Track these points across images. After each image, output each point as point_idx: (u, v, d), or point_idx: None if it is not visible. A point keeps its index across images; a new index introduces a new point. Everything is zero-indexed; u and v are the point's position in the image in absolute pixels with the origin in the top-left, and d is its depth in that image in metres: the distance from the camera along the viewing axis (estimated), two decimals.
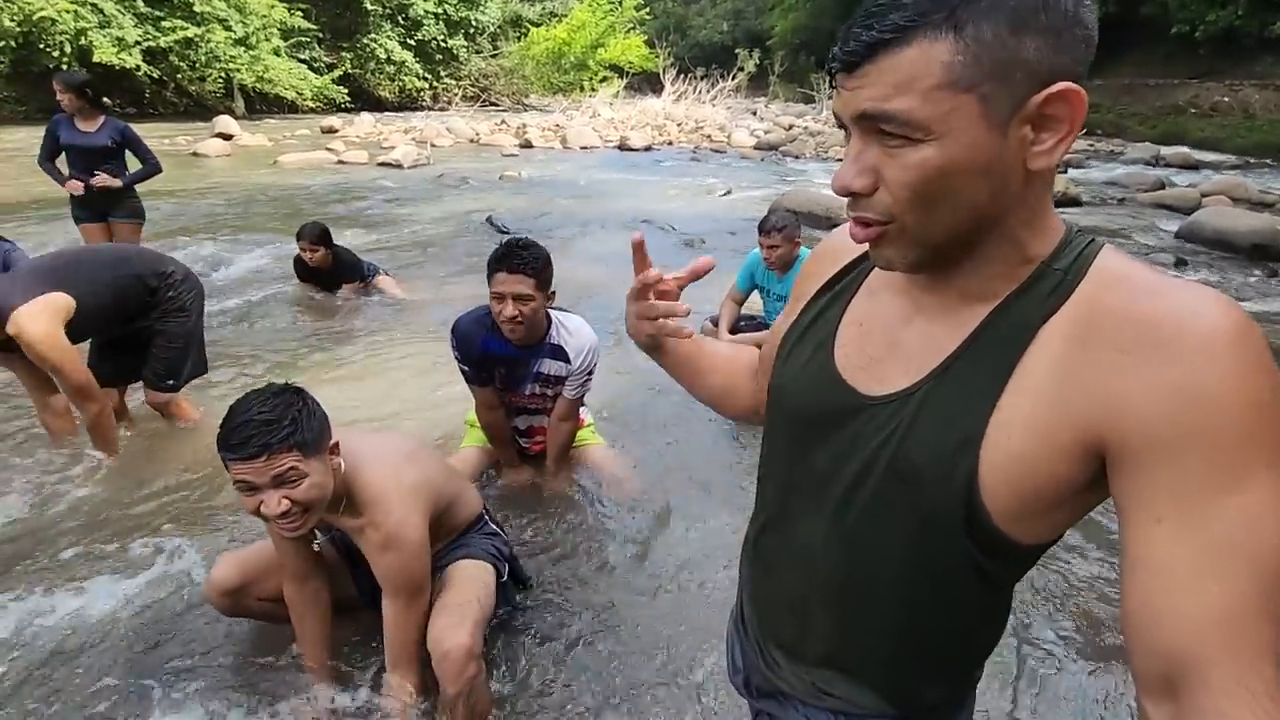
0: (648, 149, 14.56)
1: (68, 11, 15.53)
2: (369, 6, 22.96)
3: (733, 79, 23.46)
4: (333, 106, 21.60)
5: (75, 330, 2.38)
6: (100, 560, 2.09)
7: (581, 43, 29.20)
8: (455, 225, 7.08)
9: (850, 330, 0.71)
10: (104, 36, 16.11)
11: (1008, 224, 0.58)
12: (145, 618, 1.88)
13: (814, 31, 32.27)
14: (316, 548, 1.59)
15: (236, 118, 16.42)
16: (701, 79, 23.11)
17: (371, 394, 3.24)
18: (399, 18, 24.48)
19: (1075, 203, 8.56)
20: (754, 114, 22.20)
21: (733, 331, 3.54)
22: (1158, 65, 19.71)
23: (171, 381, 2.69)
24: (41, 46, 15.58)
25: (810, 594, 0.74)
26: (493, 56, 29.14)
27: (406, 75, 24.98)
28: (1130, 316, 0.52)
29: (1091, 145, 15.37)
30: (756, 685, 0.85)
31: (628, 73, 30.17)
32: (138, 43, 16.78)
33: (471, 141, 15.41)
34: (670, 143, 16.05)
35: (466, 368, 2.25)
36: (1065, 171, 11.55)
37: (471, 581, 1.65)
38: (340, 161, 11.50)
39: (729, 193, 9.31)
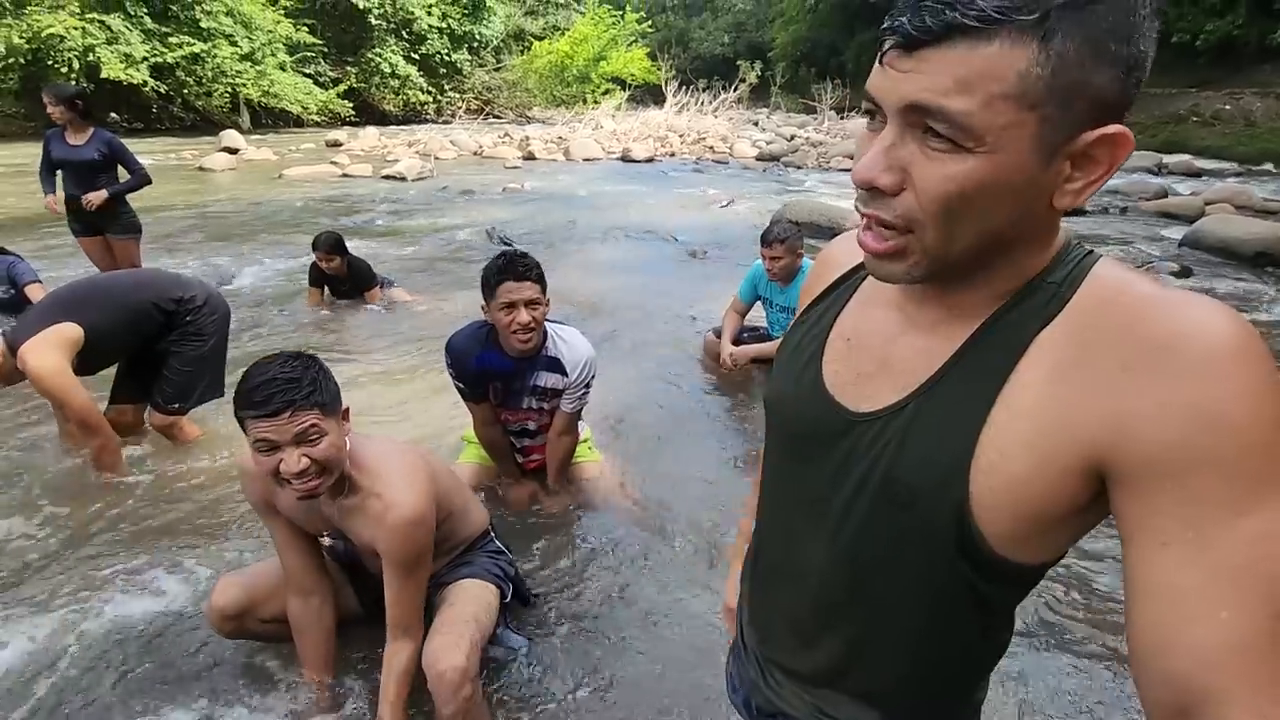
0: (650, 160, 14.63)
1: (76, 28, 15.74)
2: (374, 22, 23.19)
3: (734, 90, 23.56)
4: (337, 120, 21.79)
5: (90, 357, 2.40)
6: (102, 577, 2.09)
7: (584, 56, 29.39)
8: (459, 237, 7.11)
9: (839, 345, 0.69)
10: (112, 53, 16.31)
11: (1014, 247, 0.55)
12: (145, 635, 1.87)
13: (814, 43, 32.45)
14: (327, 541, 1.57)
15: (242, 132, 16.60)
16: (703, 90, 23.20)
17: (373, 406, 3.23)
18: (403, 32, 24.71)
19: (1079, 212, 8.55)
20: (756, 125, 22.28)
21: (735, 343, 3.54)
22: (1158, 74, 19.66)
23: (177, 405, 2.68)
24: (50, 63, 15.79)
25: (810, 614, 0.73)
26: (496, 70, 29.37)
27: (410, 89, 25.18)
28: (1131, 330, 0.50)
29: None
30: (757, 705, 0.84)
31: (630, 85, 30.33)
32: (145, 59, 16.99)
33: (475, 154, 15.51)
34: (673, 154, 16.11)
35: (462, 385, 2.24)
36: None
37: (472, 601, 1.63)
38: (344, 175, 11.59)
39: (732, 203, 9.34)
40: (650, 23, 36.43)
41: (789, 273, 3.30)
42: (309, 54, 21.66)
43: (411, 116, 25.35)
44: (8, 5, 15.48)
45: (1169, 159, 13.67)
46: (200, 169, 11.83)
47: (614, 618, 1.99)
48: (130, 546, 2.24)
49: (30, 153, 12.10)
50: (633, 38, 32.45)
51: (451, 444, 2.84)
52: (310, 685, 1.66)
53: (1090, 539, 2.26)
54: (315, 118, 21.33)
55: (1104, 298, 0.53)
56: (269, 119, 20.99)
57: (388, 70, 24.21)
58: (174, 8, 17.66)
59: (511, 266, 2.04)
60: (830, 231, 6.96)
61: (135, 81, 16.80)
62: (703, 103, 22.26)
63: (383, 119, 23.78)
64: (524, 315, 2.05)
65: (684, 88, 23.10)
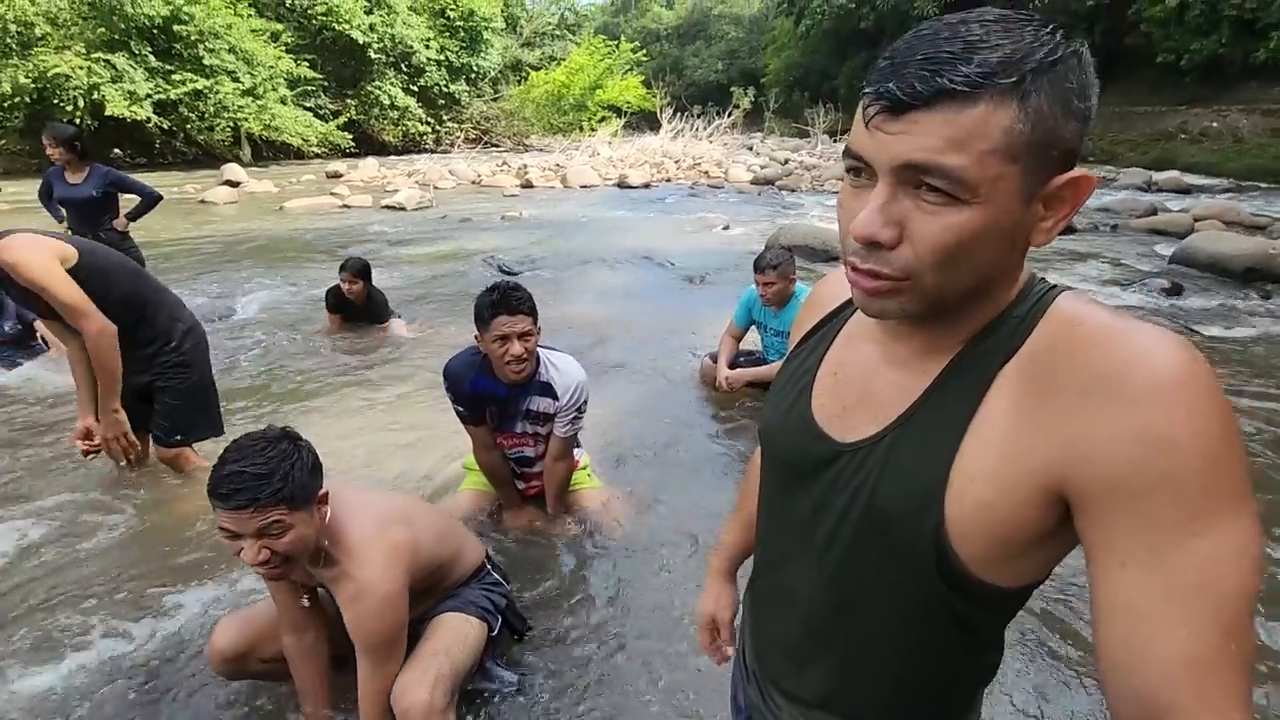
0: (647, 186, 14.80)
1: (81, 68, 16.06)
2: (373, 55, 23.64)
3: (729, 116, 23.94)
4: (337, 152, 22.09)
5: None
6: (100, 612, 2.09)
7: (580, 85, 29.89)
8: (458, 265, 7.19)
9: (827, 379, 0.73)
10: (116, 90, 16.62)
11: (992, 284, 0.59)
12: (143, 672, 1.87)
13: (807, 69, 33.00)
14: (305, 603, 1.58)
15: (243, 165, 16.84)
16: (698, 117, 23.57)
17: (373, 435, 3.26)
18: (402, 65, 25.18)
19: (1070, 230, 8.64)
20: (750, 149, 22.56)
21: (732, 367, 3.58)
22: (1145, 93, 20.07)
23: (180, 436, 2.68)
24: (55, 101, 16.08)
25: (803, 638, 0.75)
26: (494, 100, 29.86)
27: (410, 120, 25.59)
28: (1084, 359, 0.53)
29: (1085, 172, 15.53)
30: None
31: (626, 112, 30.81)
32: (149, 95, 17.30)
33: (473, 183, 15.70)
34: (669, 179, 16.30)
35: (460, 408, 2.29)
36: None
37: (446, 634, 1.61)
38: (344, 205, 11.72)
39: (728, 228, 9.44)
40: (645, 51, 37.12)
41: (782, 298, 3.35)
42: (309, 88, 22.06)
43: (411, 147, 25.72)
44: (14, 47, 15.81)
45: (1159, 176, 13.84)
46: (202, 202, 11.98)
47: (611, 650, 1.97)
48: (123, 582, 2.22)
49: (35, 189, 12.27)
50: (628, 66, 33.04)
51: (451, 473, 2.87)
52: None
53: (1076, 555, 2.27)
54: (315, 150, 21.64)
55: (1060, 330, 0.56)
56: (270, 152, 21.29)
57: (387, 102, 24.63)
58: (177, 46, 18.03)
59: (505, 301, 2.08)
60: (824, 254, 7.04)
61: (139, 118, 17.10)
62: (698, 128, 22.59)
63: (382, 149, 24.12)
64: (517, 347, 2.10)
65: (679, 114, 23.47)
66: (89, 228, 4.28)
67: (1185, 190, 12.73)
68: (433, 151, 25.30)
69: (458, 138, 27.53)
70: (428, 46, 25.47)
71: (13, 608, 2.12)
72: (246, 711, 1.76)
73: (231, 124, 19.14)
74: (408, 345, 4.59)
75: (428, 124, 26.38)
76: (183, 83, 17.90)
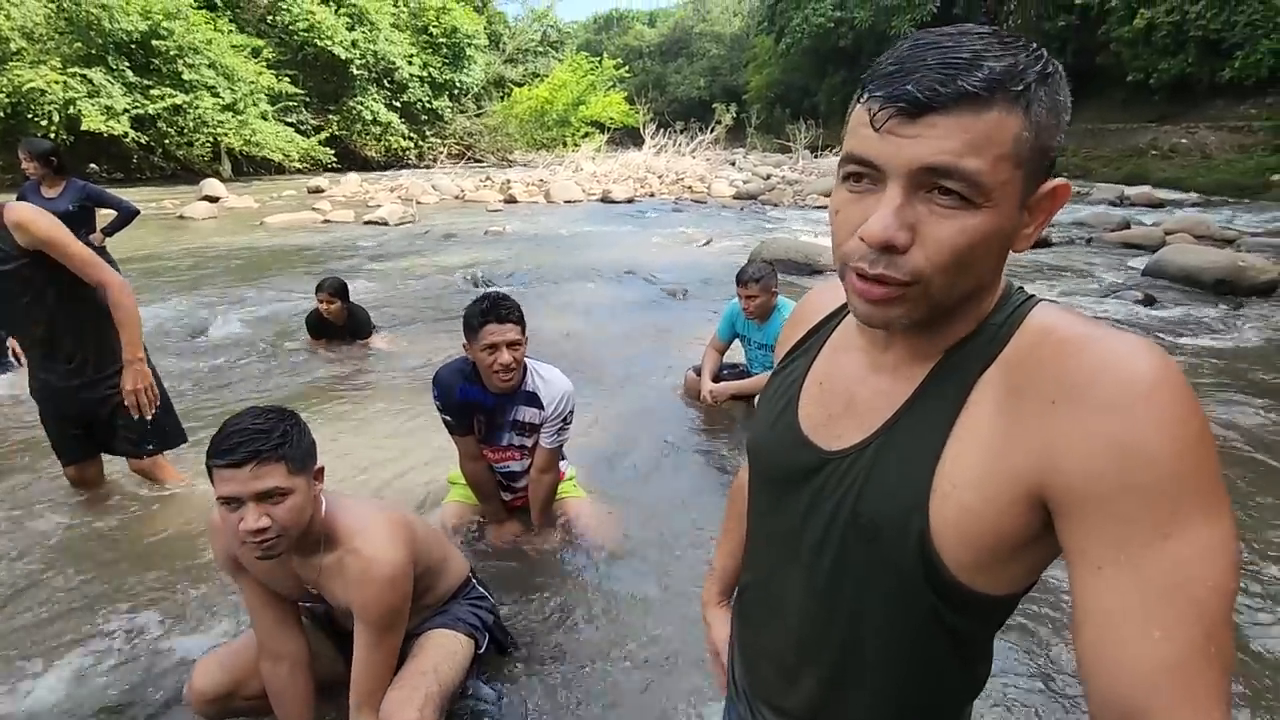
0: (630, 201, 14.87)
1: (57, 82, 15.87)
2: (355, 72, 23.63)
3: (711, 132, 24.19)
4: (319, 167, 21.99)
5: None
6: (69, 638, 2.02)
7: (563, 101, 30.07)
8: (442, 280, 7.16)
9: (813, 389, 0.73)
10: (93, 105, 16.43)
11: (982, 289, 0.60)
12: (115, 700, 1.81)
13: (787, 86, 33.49)
14: (304, 620, 1.55)
15: (223, 180, 16.69)
16: (681, 133, 23.80)
17: (356, 450, 3.22)
18: (385, 81, 25.18)
19: (1045, 244, 8.80)
20: (733, 165, 22.79)
21: (715, 379, 3.58)
22: (1118, 110, 20.59)
23: (151, 446, 2.62)
24: (30, 116, 15.85)
25: (791, 650, 0.75)
26: (477, 115, 29.93)
27: (392, 135, 25.56)
28: (1058, 367, 0.54)
29: None
30: None
31: (609, 128, 31.03)
32: (126, 110, 17.11)
33: (457, 198, 15.68)
34: (652, 194, 16.40)
35: (448, 417, 2.29)
36: None
37: (434, 651, 1.60)
38: (326, 221, 11.65)
39: (710, 242, 9.50)
40: (627, 68, 37.47)
41: (765, 310, 3.36)
42: (291, 103, 21.96)
43: (393, 162, 25.66)
44: None
45: (1131, 191, 14.17)
46: (181, 217, 11.84)
47: (596, 663, 1.95)
48: (95, 608, 2.15)
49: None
50: (611, 83, 33.31)
51: (436, 486, 2.84)
52: None
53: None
54: (297, 165, 21.51)
55: (1036, 339, 0.57)
56: (250, 167, 21.13)
57: (369, 118, 24.59)
58: (156, 61, 17.88)
59: (494, 309, 2.10)
60: (807, 268, 7.10)
61: (116, 133, 16.89)
62: (680, 144, 22.80)
63: (365, 165, 24.03)
64: (505, 356, 2.12)
65: (662, 130, 23.69)
66: None
67: (1157, 204, 13.03)
68: (416, 167, 25.26)
69: (441, 153, 27.52)
70: (410, 63, 25.52)
71: None
72: None
73: (211, 139, 18.97)
74: (388, 359, 4.55)
75: (410, 139, 26.36)
76: (161, 98, 17.72)
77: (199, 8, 19.07)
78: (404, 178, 19.13)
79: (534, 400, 2.27)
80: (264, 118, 20.51)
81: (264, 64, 20.64)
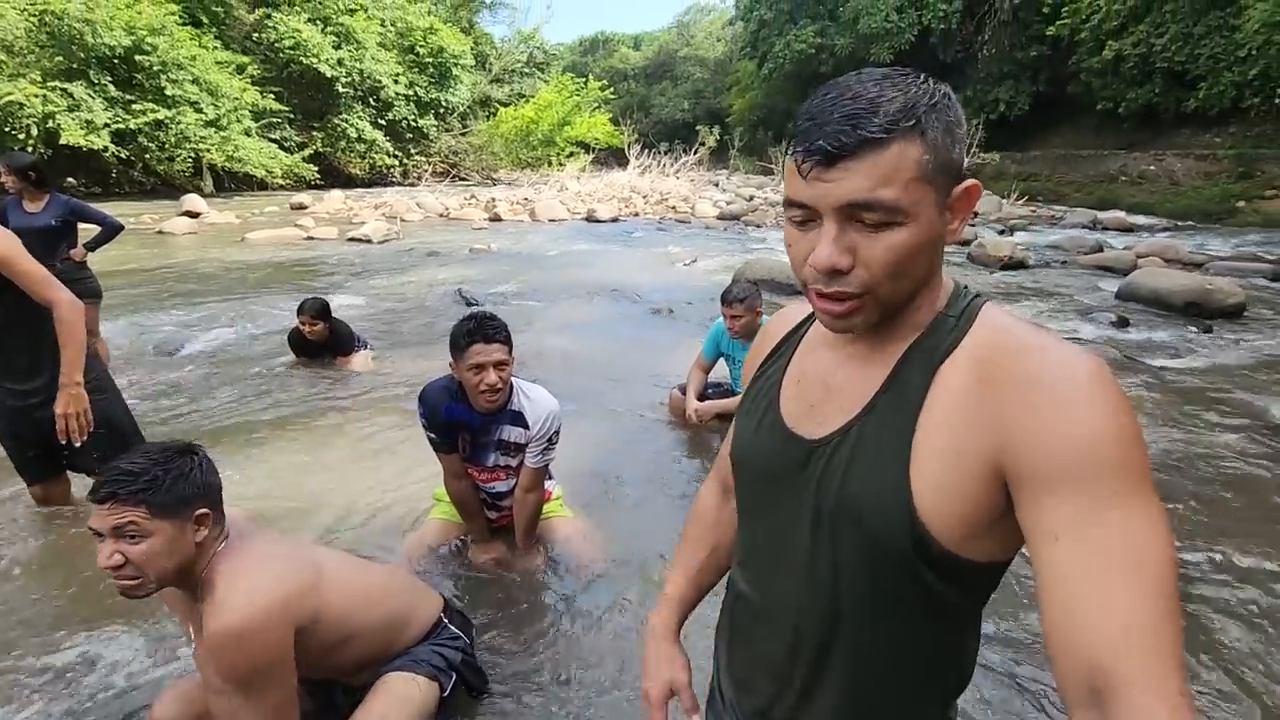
0: (615, 220, 14.97)
1: (36, 96, 15.71)
2: (340, 89, 23.67)
3: (695, 153, 24.51)
4: (302, 184, 21.89)
5: None
6: (25, 665, 1.95)
7: (549, 121, 30.30)
8: (425, 298, 7.14)
9: (791, 387, 0.79)
10: (73, 119, 16.28)
11: (926, 285, 0.69)
12: None
13: (770, 109, 33.99)
14: None
15: (204, 196, 16.54)
16: (665, 153, 24.08)
17: (340, 467, 3.19)
18: (370, 99, 25.24)
19: (1022, 265, 8.99)
20: (716, 186, 23.05)
21: (700, 399, 3.60)
22: (1089, 137, 21.16)
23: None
24: (7, 129, 15.66)
25: (789, 649, 0.77)
26: (462, 134, 30.05)
27: (377, 153, 25.56)
28: (1015, 365, 0.62)
29: (1034, 211, 16.24)
30: None
31: (594, 148, 31.29)
32: (107, 125, 16.97)
33: (441, 216, 15.69)
34: (637, 214, 16.52)
35: (434, 434, 2.27)
36: (1011, 235, 12.19)
37: (384, 698, 1.52)
38: (309, 238, 11.59)
39: (694, 262, 9.58)
40: (612, 90, 37.87)
41: (750, 330, 3.40)
42: (275, 120, 21.91)
43: (378, 179, 25.65)
44: None
45: (1103, 215, 14.55)
46: (160, 233, 11.72)
47: (579, 692, 1.91)
48: (52, 634, 2.08)
49: None
50: (596, 104, 33.65)
51: (417, 503, 2.81)
52: None
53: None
54: (280, 181, 21.41)
55: (994, 336, 0.66)
56: (232, 183, 21.00)
57: (354, 135, 24.59)
58: (139, 76, 17.79)
59: (481, 329, 2.09)
60: (790, 288, 7.18)
61: (96, 147, 16.72)
62: (665, 165, 23.05)
63: (349, 182, 23.99)
64: (491, 376, 2.11)
65: (646, 151, 23.97)
66: (46, 258, 4.14)
67: (1128, 229, 13.37)
68: (400, 185, 25.25)
69: (426, 171, 27.55)
70: (396, 81, 25.62)
71: None
72: None
73: (193, 155, 18.85)
74: (373, 376, 4.52)
75: (395, 157, 26.38)
76: (143, 112, 17.61)
77: (184, 24, 19.04)
78: (388, 195, 19.11)
79: (520, 420, 2.26)
80: (247, 134, 20.44)
81: (248, 80, 20.62)
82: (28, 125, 15.79)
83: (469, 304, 6.78)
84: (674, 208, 17.48)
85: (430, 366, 4.50)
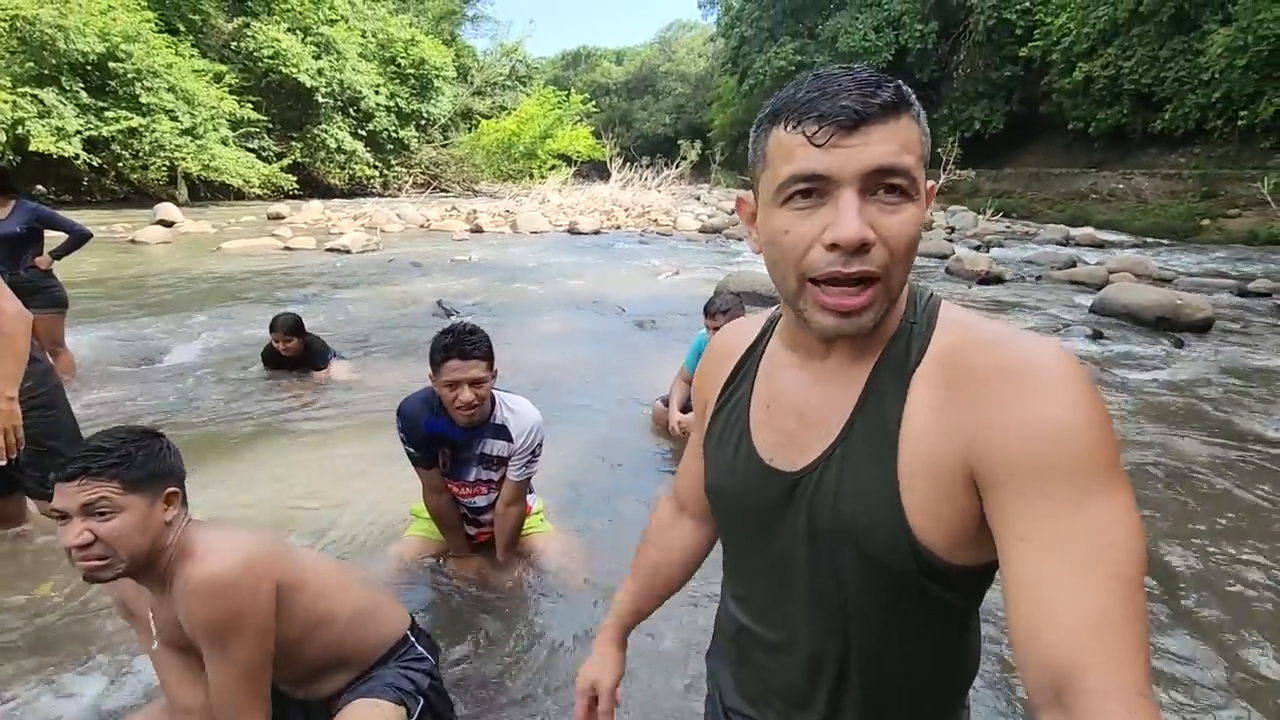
0: (597, 233, 14.98)
1: (5, 101, 15.40)
2: (320, 99, 23.52)
3: (676, 167, 24.67)
4: (280, 194, 21.65)
5: None
6: None
7: (530, 133, 30.34)
8: (404, 309, 7.06)
9: (760, 415, 0.76)
10: (43, 126, 15.97)
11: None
12: None
13: (749, 125, 34.47)
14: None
15: (179, 205, 16.27)
16: (647, 167, 24.22)
17: (317, 481, 3.11)
18: (350, 110, 25.11)
19: (999, 280, 9.14)
20: (698, 199, 23.24)
21: (683, 410, 3.58)
22: (1061, 155, 21.69)
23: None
24: None
25: (803, 674, 0.75)
26: (443, 146, 29.99)
27: (357, 164, 25.40)
28: (983, 361, 0.60)
29: (1009, 227, 16.57)
30: None
31: (576, 161, 31.37)
32: (79, 132, 16.66)
33: (422, 227, 15.58)
34: (618, 227, 16.56)
35: (412, 449, 2.21)
36: (988, 250, 12.41)
37: None
38: (286, 248, 11.43)
39: (677, 274, 9.60)
40: (594, 103, 38.08)
41: None
42: (253, 129, 21.69)
43: (357, 190, 25.47)
44: None
45: (1075, 231, 14.89)
46: (133, 242, 11.49)
47: (562, 711, 1.87)
48: (3, 663, 2.00)
49: None
50: (578, 117, 33.79)
51: (395, 517, 2.75)
52: None
53: None
54: (257, 191, 21.16)
55: (957, 336, 0.65)
56: (208, 192, 20.71)
57: (334, 145, 24.43)
58: (113, 83, 17.52)
59: (458, 345, 2.02)
60: (772, 300, 7.20)
61: (67, 154, 16.40)
62: (646, 178, 23.16)
63: (328, 193, 23.78)
64: (467, 394, 2.04)
65: (628, 164, 24.06)
66: (10, 265, 4.03)
67: (1099, 245, 13.68)
68: (380, 195, 25.10)
69: (406, 182, 27.42)
70: (377, 92, 25.53)
71: None
72: None
73: (168, 163, 18.57)
74: (349, 389, 4.44)
75: (375, 168, 26.23)
76: (116, 120, 17.31)
77: (160, 31, 18.81)
78: (368, 206, 18.96)
79: (503, 433, 2.21)
80: (224, 143, 20.20)
81: (226, 89, 20.40)
82: None
83: (449, 314, 6.72)
84: (656, 221, 17.54)
85: (409, 377, 4.43)
